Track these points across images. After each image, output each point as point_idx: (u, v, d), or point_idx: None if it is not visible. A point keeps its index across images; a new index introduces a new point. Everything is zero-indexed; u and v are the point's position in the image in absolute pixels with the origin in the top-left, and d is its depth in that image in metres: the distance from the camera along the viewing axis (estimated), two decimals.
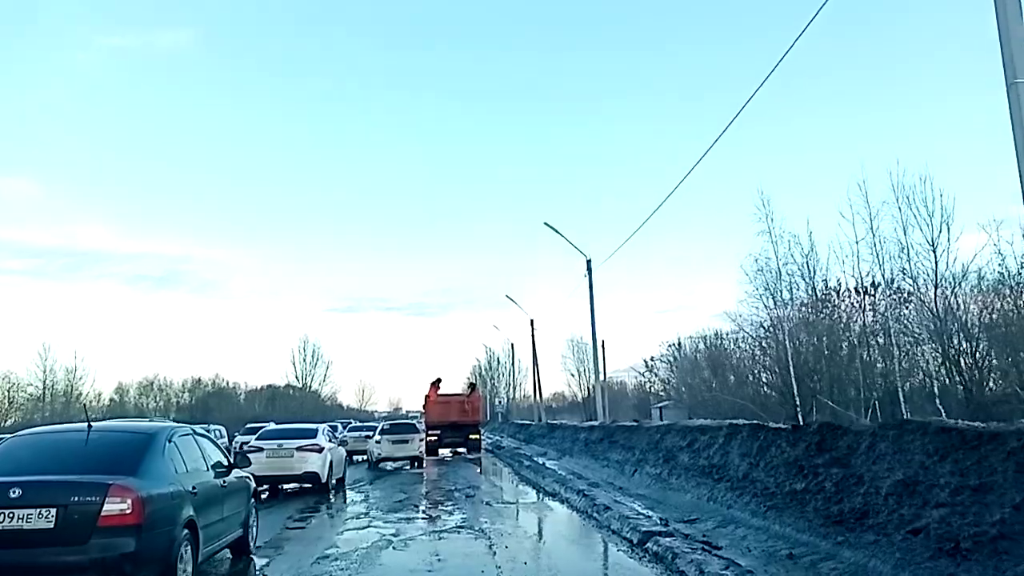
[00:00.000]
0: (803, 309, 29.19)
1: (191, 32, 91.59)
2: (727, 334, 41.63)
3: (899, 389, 23.84)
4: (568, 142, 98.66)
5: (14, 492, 5.54)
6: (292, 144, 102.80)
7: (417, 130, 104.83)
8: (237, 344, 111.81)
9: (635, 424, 20.44)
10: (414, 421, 30.33)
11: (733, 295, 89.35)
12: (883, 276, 25.92)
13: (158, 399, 76.44)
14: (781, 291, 28.44)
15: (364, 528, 10.89)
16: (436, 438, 30.21)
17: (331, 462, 15.78)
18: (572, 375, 67.84)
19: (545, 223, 30.64)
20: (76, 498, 5.54)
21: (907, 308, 26.83)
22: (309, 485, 15.46)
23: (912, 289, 26.38)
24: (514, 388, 77.20)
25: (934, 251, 25.42)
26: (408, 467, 23.23)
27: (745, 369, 40.69)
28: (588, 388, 62.91)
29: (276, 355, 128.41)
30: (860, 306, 28.71)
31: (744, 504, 9.70)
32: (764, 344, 34.43)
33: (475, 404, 31.48)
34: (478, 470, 22.84)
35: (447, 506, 13.55)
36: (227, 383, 78.61)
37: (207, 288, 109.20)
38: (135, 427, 7.54)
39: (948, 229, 24.56)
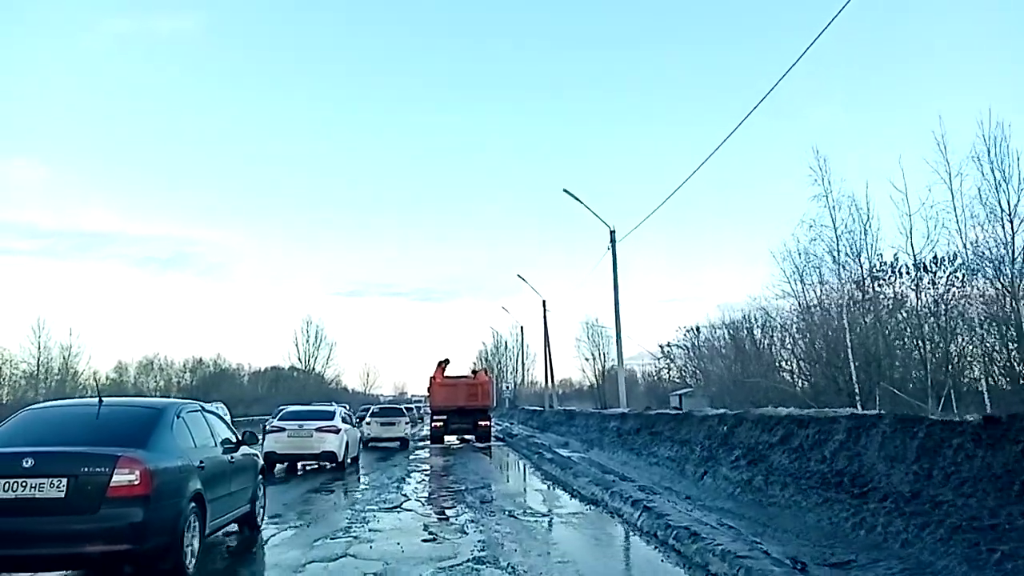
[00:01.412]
0: (859, 286, 25.39)
1: (195, 17, 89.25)
2: (756, 318, 38.06)
3: (983, 377, 20.01)
4: (583, 120, 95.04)
5: (27, 462, 5.57)
6: (298, 128, 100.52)
7: (424, 112, 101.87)
8: (241, 326, 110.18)
9: (679, 412, 16.73)
10: (401, 407, 29.64)
11: (744, 283, 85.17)
12: (958, 248, 22.02)
13: (158, 379, 74.09)
14: (839, 262, 24.42)
15: (335, 560, 7.17)
16: (442, 424, 26.98)
17: (347, 442, 16.65)
18: (587, 359, 64.32)
19: (565, 190, 27.81)
20: (86, 469, 5.59)
21: (976, 287, 23.05)
22: (328, 464, 16.34)
23: (983, 265, 22.59)
24: (523, 373, 73.39)
25: (1011, 221, 21.59)
26: (399, 448, 23.81)
27: (775, 354, 37.47)
28: (602, 373, 59.41)
29: (280, 338, 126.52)
30: (918, 284, 24.95)
31: (938, 541, 5.92)
32: (804, 327, 30.83)
33: (484, 388, 27.95)
34: (490, 462, 19.28)
35: (456, 517, 9.86)
36: (230, 364, 76.43)
37: (213, 271, 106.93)
38: (145, 402, 7.86)
39: None
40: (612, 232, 26.94)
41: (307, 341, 79.01)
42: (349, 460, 16.83)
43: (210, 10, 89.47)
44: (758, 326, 37.96)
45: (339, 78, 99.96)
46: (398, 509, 10.62)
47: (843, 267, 24.65)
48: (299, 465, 16.79)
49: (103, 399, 6.76)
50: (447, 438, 27.38)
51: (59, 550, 5.48)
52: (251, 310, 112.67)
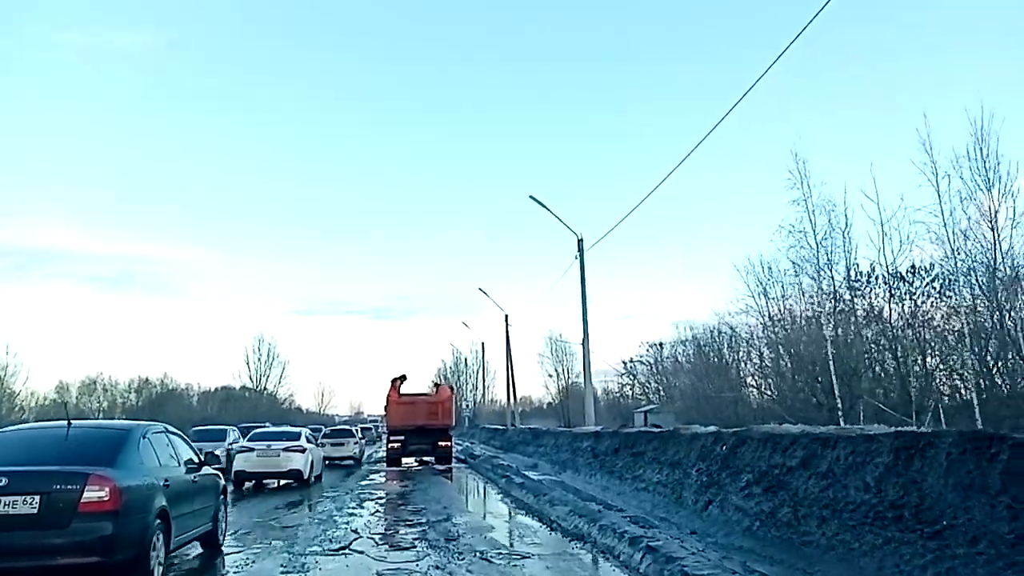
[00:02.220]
0: (836, 296, 24.21)
1: (154, 33, 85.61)
2: (721, 332, 36.93)
3: (975, 392, 18.80)
4: (545, 131, 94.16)
5: (1, 481, 5.77)
6: (252, 145, 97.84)
7: (381, 126, 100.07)
8: (191, 346, 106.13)
9: (662, 430, 15.06)
10: (351, 428, 30.68)
11: (704, 298, 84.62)
12: (946, 252, 20.94)
13: (101, 399, 70.75)
14: (822, 273, 23.20)
15: None
16: (399, 445, 25.11)
17: (312, 461, 18.01)
18: (550, 375, 62.59)
19: (531, 197, 26.61)
20: (58, 486, 5.84)
21: (956, 297, 22.07)
22: (293, 481, 17.32)
23: (962, 274, 21.62)
24: (484, 391, 71.29)
25: (992, 228, 20.64)
26: (353, 466, 25.15)
27: (743, 370, 36.47)
28: (565, 389, 57.73)
29: (231, 357, 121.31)
30: (895, 295, 23.91)
31: None
32: (774, 340, 29.69)
33: (445, 405, 26.11)
34: (453, 488, 17.44)
35: (417, 562, 7.97)
36: (178, 384, 74.06)
37: (162, 289, 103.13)
38: (113, 424, 8.76)
39: (1014, 200, 19.82)
40: (580, 240, 25.64)
41: (259, 360, 76.13)
42: (314, 478, 18.16)
43: (168, 26, 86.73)
44: (724, 341, 36.57)
45: (294, 94, 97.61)
46: (346, 551, 8.69)
47: (822, 275, 23.42)
48: (264, 482, 17.77)
49: (71, 421, 7.04)
50: (405, 460, 25.73)
51: (33, 563, 5.73)
52: (201, 329, 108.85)
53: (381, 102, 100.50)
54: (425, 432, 25.00)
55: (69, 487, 5.81)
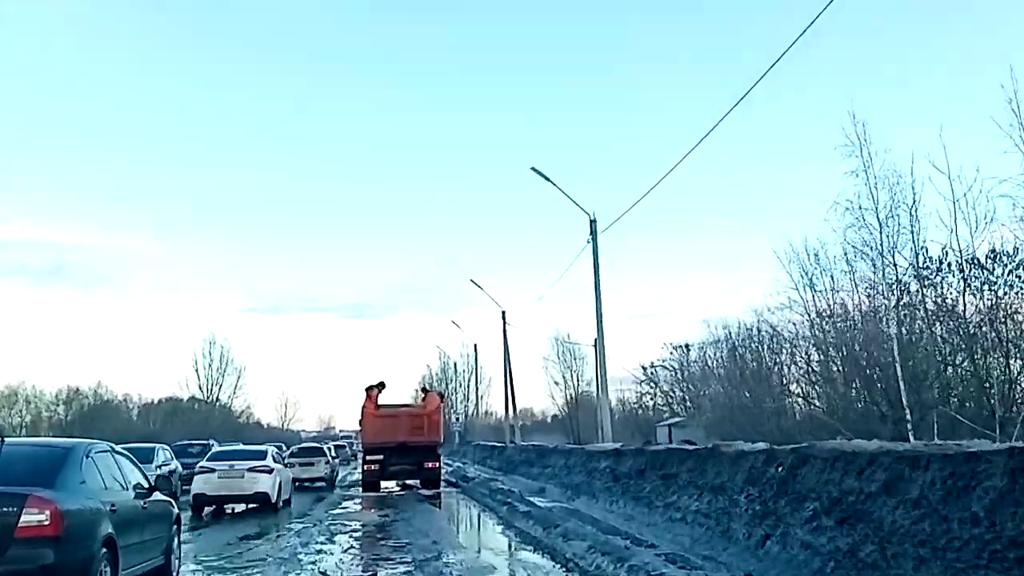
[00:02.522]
0: (902, 287, 23.68)
1: None
2: (761, 331, 36.42)
3: None
4: (550, 104, 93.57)
5: None
6: (208, 120, 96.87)
7: (356, 99, 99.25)
8: (131, 350, 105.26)
9: (696, 447, 14.57)
10: (321, 446, 31.97)
11: (737, 293, 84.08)
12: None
13: (24, 413, 70.66)
14: (884, 259, 22.58)
15: None
16: (377, 467, 24.70)
17: (280, 483, 18.42)
18: (556, 383, 62.07)
19: (533, 169, 26.43)
20: None
21: None
22: (259, 505, 17.82)
23: None
24: (477, 402, 70.81)
25: None
26: (326, 489, 26.17)
27: (786, 375, 36.03)
28: (574, 399, 57.32)
29: (178, 363, 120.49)
30: (971, 286, 23.36)
31: None
32: (825, 340, 29.20)
33: (433, 418, 25.66)
34: (443, 517, 17.02)
35: None
36: (114, 395, 74.94)
37: (99, 283, 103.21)
38: (51, 441, 9.38)
39: None
40: (592, 221, 25.28)
41: (210, 366, 75.98)
42: (282, 502, 18.48)
43: None
44: (764, 342, 36.11)
45: (254, 64, 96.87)
46: None
47: (884, 262, 22.85)
48: (225, 507, 18.36)
49: (4, 437, 7.05)
50: (384, 484, 25.40)
51: None
52: (143, 330, 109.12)
53: (357, 65, 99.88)
54: (409, 450, 24.58)
55: (5, 510, 5.95)
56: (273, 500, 17.78)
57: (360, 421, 26.32)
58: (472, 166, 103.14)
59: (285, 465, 24.10)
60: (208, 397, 75.51)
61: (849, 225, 23.02)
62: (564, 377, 61.12)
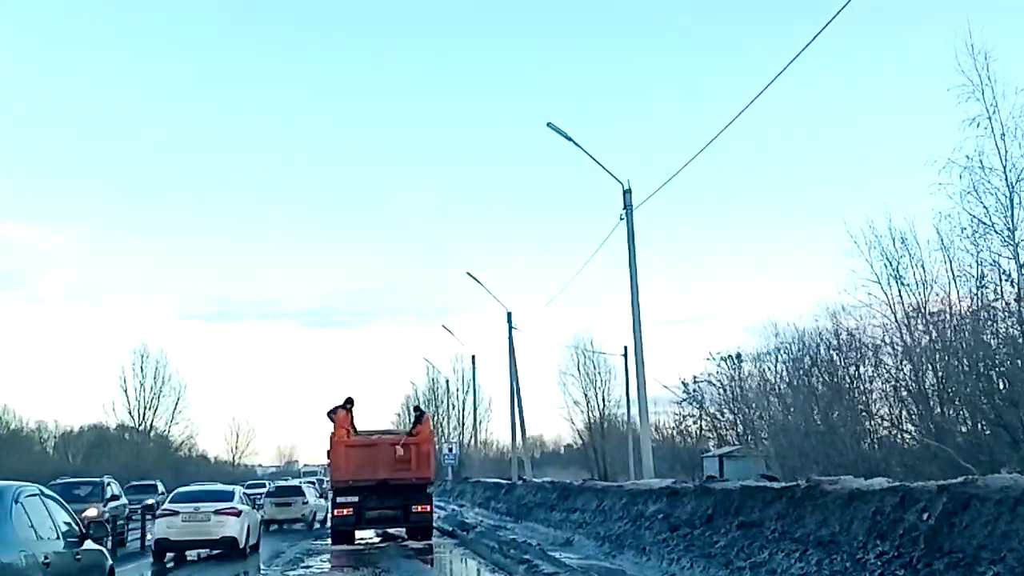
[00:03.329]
0: None
1: None
2: (839, 337, 35.28)
3: None
4: (565, 54, 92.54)
5: None
6: (142, 88, 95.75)
7: (323, 61, 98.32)
8: (46, 368, 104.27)
9: (782, 486, 13.39)
10: (300, 484, 34.73)
11: (789, 290, 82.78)
12: None
13: None
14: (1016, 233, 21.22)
15: None
16: (350, 512, 23.70)
17: (248, 526, 20.33)
18: (575, 402, 61.00)
19: (550, 125, 25.26)
20: None
21: None
22: (223, 551, 19.69)
23: None
24: (475, 427, 69.53)
25: None
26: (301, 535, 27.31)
27: (871, 392, 35.09)
28: (599, 423, 56.14)
29: (104, 383, 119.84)
30: None
31: None
32: (910, 349, 28.26)
33: (423, 448, 24.64)
34: None
35: None
36: (24, 424, 74.74)
37: (4, 285, 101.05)
38: None
39: None
40: (626, 191, 24.39)
41: (141, 384, 74.59)
42: (249, 548, 20.45)
43: None
44: (843, 350, 34.89)
45: (196, 21, 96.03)
46: None
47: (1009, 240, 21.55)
48: (186, 553, 20.22)
49: None
50: (360, 534, 24.89)
51: None
52: (60, 344, 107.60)
53: (318, 14, 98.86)
54: (392, 490, 23.68)
55: None
56: (241, 545, 19.65)
57: (328, 453, 25.07)
58: (465, 139, 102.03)
59: (257, 507, 27.19)
60: (140, 424, 74.76)
61: (965, 189, 21.67)
62: (585, 395, 60.05)
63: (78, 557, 8.62)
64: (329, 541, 24.40)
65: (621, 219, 24.57)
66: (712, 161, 48.91)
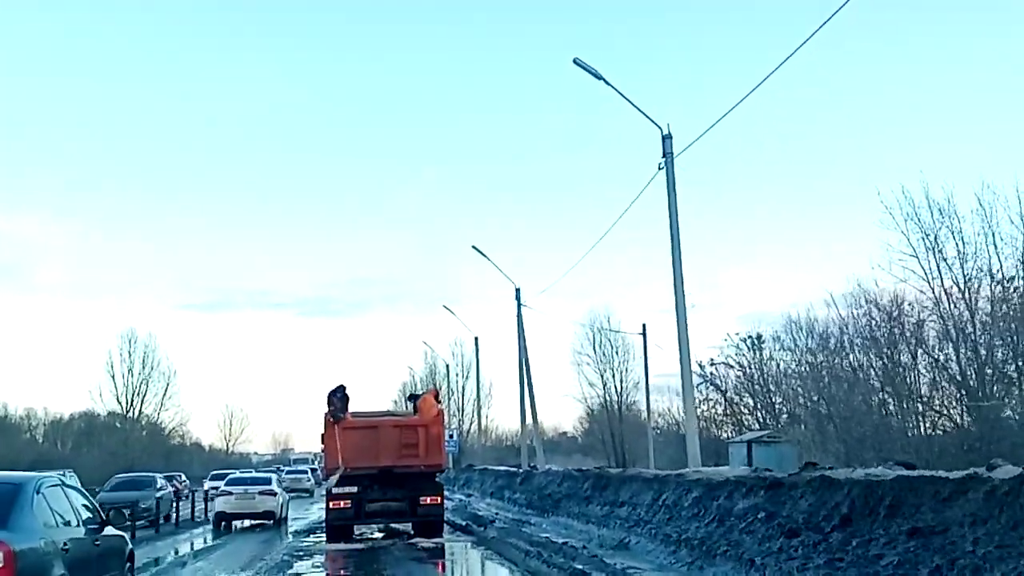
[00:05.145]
0: None
1: None
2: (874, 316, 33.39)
3: None
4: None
5: None
6: (132, 78, 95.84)
7: (319, 36, 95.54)
8: (38, 357, 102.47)
9: (913, 474, 9.80)
10: (268, 475, 34.14)
11: (818, 265, 79.57)
12: None
13: None
14: None
15: None
16: (349, 504, 21.01)
17: (282, 503, 29.07)
18: (590, 384, 59.18)
19: (576, 61, 22.68)
20: None
21: None
22: (268, 521, 27.64)
23: None
24: (478, 412, 66.77)
25: None
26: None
27: (914, 373, 32.89)
28: (617, 407, 53.25)
29: (93, 372, 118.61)
30: None
31: None
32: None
33: (432, 431, 21.74)
34: None
35: None
36: (13, 412, 73.74)
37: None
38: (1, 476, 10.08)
39: None
40: (666, 137, 21.59)
41: (129, 370, 72.77)
42: (283, 516, 28.51)
43: None
44: (879, 328, 33.20)
45: (185, 10, 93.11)
46: None
47: None
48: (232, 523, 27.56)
49: None
50: (359, 528, 22.78)
51: None
52: (53, 333, 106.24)
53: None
54: (396, 480, 21.05)
55: None
56: (278, 516, 27.60)
57: (323, 436, 22.20)
58: (466, 126, 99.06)
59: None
60: (128, 410, 73.06)
61: None
62: (602, 376, 58.05)
63: (97, 543, 9.29)
64: (323, 538, 21.84)
65: (660, 168, 21.77)
66: (719, 146, 45.79)
